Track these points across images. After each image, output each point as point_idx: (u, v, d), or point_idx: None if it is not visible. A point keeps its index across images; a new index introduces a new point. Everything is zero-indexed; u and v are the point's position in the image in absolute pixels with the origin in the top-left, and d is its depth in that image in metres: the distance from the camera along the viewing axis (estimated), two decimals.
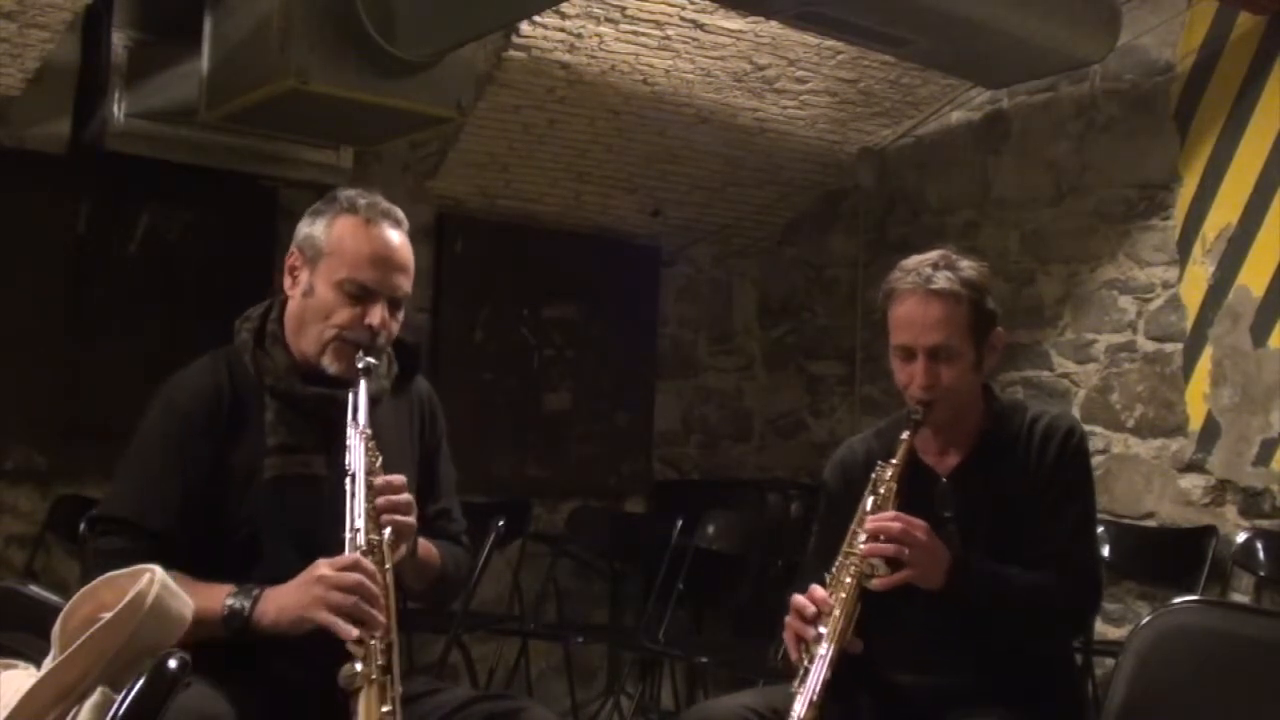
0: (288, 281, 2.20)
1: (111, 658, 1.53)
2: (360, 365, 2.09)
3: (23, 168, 4.10)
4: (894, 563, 2.17)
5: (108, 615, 1.55)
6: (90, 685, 1.52)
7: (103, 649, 1.53)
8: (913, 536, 2.16)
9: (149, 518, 2.05)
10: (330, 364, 2.13)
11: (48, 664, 1.55)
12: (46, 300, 4.18)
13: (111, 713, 1.47)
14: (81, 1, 3.71)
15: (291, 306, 2.19)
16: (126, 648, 1.54)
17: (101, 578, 1.62)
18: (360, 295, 2.12)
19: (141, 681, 1.47)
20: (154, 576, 1.60)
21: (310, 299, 2.15)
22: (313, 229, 2.18)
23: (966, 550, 2.23)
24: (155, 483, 2.09)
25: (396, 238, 2.18)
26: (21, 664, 1.67)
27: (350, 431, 2.04)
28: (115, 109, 3.99)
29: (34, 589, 1.91)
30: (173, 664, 1.49)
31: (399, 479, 2.06)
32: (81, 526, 2.39)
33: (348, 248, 2.13)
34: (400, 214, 2.22)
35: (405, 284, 2.18)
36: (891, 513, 2.20)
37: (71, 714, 1.51)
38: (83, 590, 1.62)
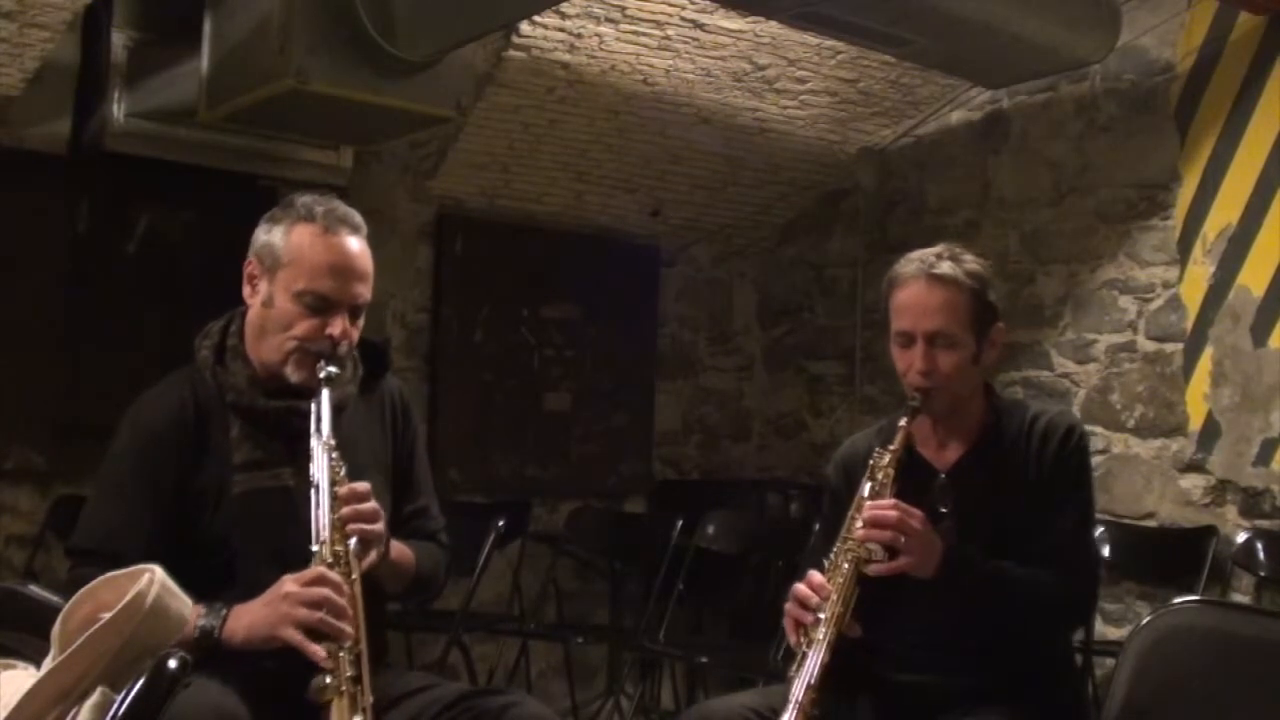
0: (247, 290, 2.19)
1: (111, 658, 1.53)
2: (321, 375, 2.08)
3: (23, 168, 4.09)
4: (893, 551, 2.18)
5: (107, 615, 1.55)
6: (90, 685, 1.51)
7: (103, 649, 1.53)
8: (908, 525, 2.17)
9: (123, 545, 2.04)
10: (292, 374, 2.13)
11: (48, 664, 1.55)
12: (46, 300, 4.17)
13: (111, 713, 1.47)
14: (81, 1, 3.71)
15: (251, 315, 2.19)
16: (126, 648, 1.54)
17: (101, 578, 1.62)
18: (320, 306, 2.11)
19: (141, 681, 1.47)
20: (154, 576, 1.59)
21: (270, 309, 2.14)
22: (270, 237, 2.16)
23: (963, 544, 2.23)
24: (127, 509, 2.10)
25: (355, 245, 2.15)
26: (21, 664, 1.66)
27: (314, 442, 2.04)
28: (115, 109, 3.98)
29: (34, 589, 1.91)
30: (173, 664, 1.49)
31: (362, 486, 2.05)
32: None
33: (306, 258, 2.11)
34: (358, 219, 2.19)
35: (365, 292, 2.17)
36: (890, 500, 2.21)
37: (71, 714, 1.51)
38: (83, 590, 1.62)
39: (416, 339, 4.98)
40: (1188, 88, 4.37)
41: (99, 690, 1.51)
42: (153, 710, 1.46)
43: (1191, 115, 4.36)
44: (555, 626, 4.99)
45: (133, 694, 1.46)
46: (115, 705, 1.47)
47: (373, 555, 2.05)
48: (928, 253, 2.34)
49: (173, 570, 1.76)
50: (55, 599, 1.75)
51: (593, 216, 5.28)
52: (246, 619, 1.96)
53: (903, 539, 2.16)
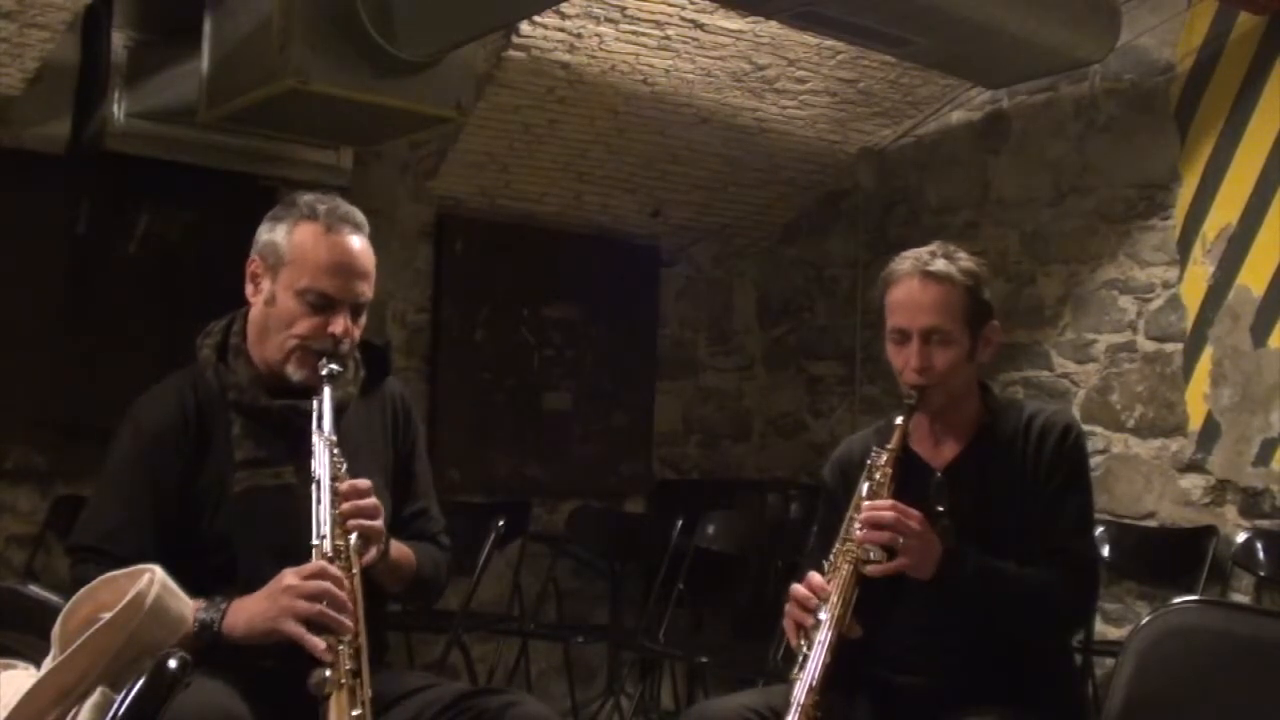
0: (249, 288, 2.20)
1: (111, 658, 1.53)
2: (324, 372, 2.09)
3: (23, 168, 4.09)
4: (892, 552, 2.18)
5: (108, 615, 1.55)
6: (90, 685, 1.52)
7: (103, 649, 1.53)
8: (906, 526, 2.17)
9: (122, 545, 2.04)
10: (294, 372, 2.14)
11: (48, 664, 1.55)
12: (46, 300, 4.17)
13: (111, 713, 1.47)
14: (81, 1, 3.71)
15: (254, 314, 2.20)
16: (126, 648, 1.54)
17: (101, 578, 1.62)
18: (322, 305, 2.12)
19: (141, 681, 1.47)
20: (154, 576, 1.60)
21: (272, 307, 2.15)
22: (273, 235, 2.17)
23: (960, 544, 2.23)
24: (127, 508, 2.10)
25: (357, 244, 2.17)
26: (21, 664, 1.67)
27: (315, 439, 2.05)
28: (115, 109, 3.98)
29: (34, 589, 1.92)
30: (173, 664, 1.49)
31: (363, 483, 2.06)
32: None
33: (308, 256, 2.13)
34: (360, 217, 2.20)
35: (367, 290, 2.18)
36: (888, 501, 2.21)
37: (71, 714, 1.51)
38: (83, 590, 1.62)
39: (416, 339, 4.99)
40: (1188, 88, 4.37)
41: (99, 690, 1.51)
42: (153, 710, 1.47)
43: (1191, 115, 4.36)
44: (555, 626, 4.99)
45: (133, 694, 1.47)
46: (115, 705, 1.47)
47: (373, 551, 2.05)
48: (922, 250, 2.34)
49: (175, 569, 1.76)
50: (55, 599, 1.75)
51: (593, 216, 5.28)
52: (246, 613, 1.96)
53: (901, 540, 2.16)
